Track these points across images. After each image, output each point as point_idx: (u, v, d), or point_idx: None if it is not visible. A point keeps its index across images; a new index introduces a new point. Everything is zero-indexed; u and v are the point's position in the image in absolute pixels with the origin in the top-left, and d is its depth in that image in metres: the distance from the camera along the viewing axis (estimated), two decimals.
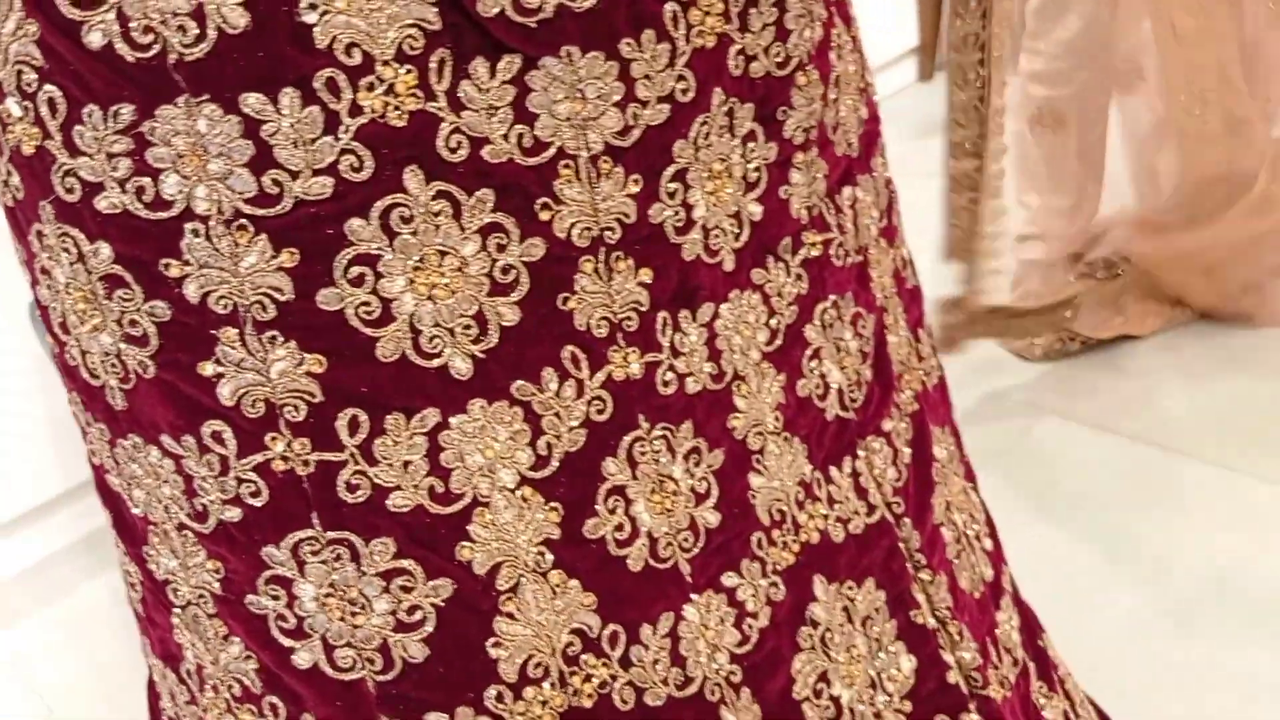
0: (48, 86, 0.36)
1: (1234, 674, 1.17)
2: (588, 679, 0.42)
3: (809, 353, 0.47)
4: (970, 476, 0.60)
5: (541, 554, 0.40)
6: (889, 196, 0.53)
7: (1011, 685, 0.56)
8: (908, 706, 0.51)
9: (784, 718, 0.46)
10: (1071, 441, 1.52)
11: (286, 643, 0.40)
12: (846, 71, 0.48)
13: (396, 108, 0.35)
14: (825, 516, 0.48)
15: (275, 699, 0.42)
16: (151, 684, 0.50)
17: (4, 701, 1.52)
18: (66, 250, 0.37)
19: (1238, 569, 1.28)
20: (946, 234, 1.28)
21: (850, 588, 0.49)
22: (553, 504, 0.40)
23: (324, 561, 0.39)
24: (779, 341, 0.45)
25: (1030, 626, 0.62)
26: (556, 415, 0.40)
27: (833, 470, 0.48)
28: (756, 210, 0.43)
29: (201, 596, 0.41)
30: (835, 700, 0.48)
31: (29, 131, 0.37)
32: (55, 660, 1.56)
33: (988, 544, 0.59)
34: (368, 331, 0.36)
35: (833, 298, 0.48)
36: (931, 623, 0.52)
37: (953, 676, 0.52)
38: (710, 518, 0.44)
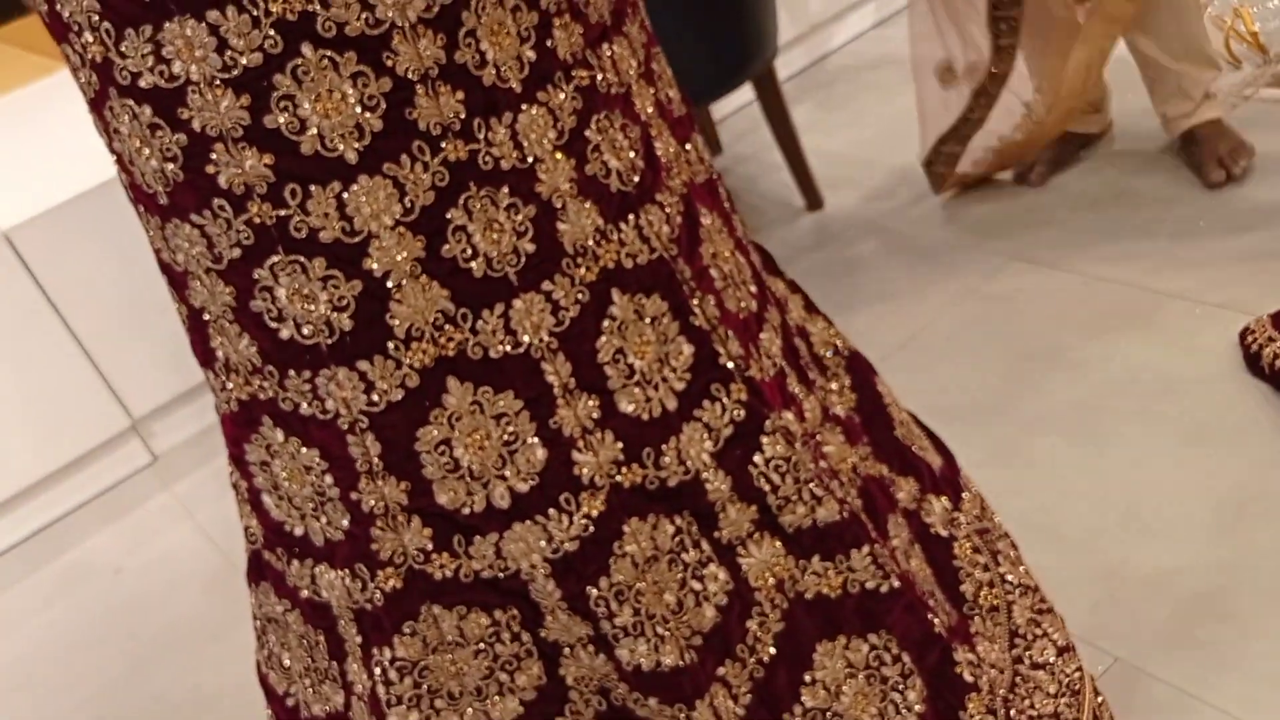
0: (105, 22, 0.62)
1: (1133, 442, 1.41)
2: (449, 339, 0.67)
3: (591, 146, 0.69)
4: (742, 249, 0.82)
5: (414, 266, 0.66)
6: (646, 53, 0.77)
7: (770, 376, 0.78)
8: (688, 377, 0.72)
9: (588, 372, 0.69)
10: (1027, 279, 1.76)
11: (274, 326, 0.66)
12: None
13: (292, 9, 0.60)
14: (617, 252, 0.70)
15: (271, 367, 0.68)
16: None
17: (179, 541, 1.93)
18: (126, 112, 0.64)
19: (1141, 367, 1.50)
20: None
21: (640, 297, 0.71)
22: (419, 236, 0.65)
23: (288, 274, 0.65)
24: (565, 138, 0.68)
25: (789, 349, 0.84)
26: (413, 183, 0.65)
27: (620, 224, 0.70)
28: (531, 54, 0.66)
29: (224, 312, 0.68)
30: (631, 365, 0.70)
31: (98, 49, 0.63)
32: (213, 504, 1.96)
33: (752, 288, 0.81)
34: (294, 138, 0.63)
35: (604, 112, 0.71)
36: (705, 325, 0.73)
37: (723, 360, 0.73)
38: (529, 246, 0.67)
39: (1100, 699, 0.94)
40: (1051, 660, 0.92)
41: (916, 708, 0.79)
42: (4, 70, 2.55)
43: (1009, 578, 0.93)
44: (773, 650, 0.76)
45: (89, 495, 2.12)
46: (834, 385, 0.91)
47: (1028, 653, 0.91)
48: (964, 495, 0.95)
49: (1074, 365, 1.56)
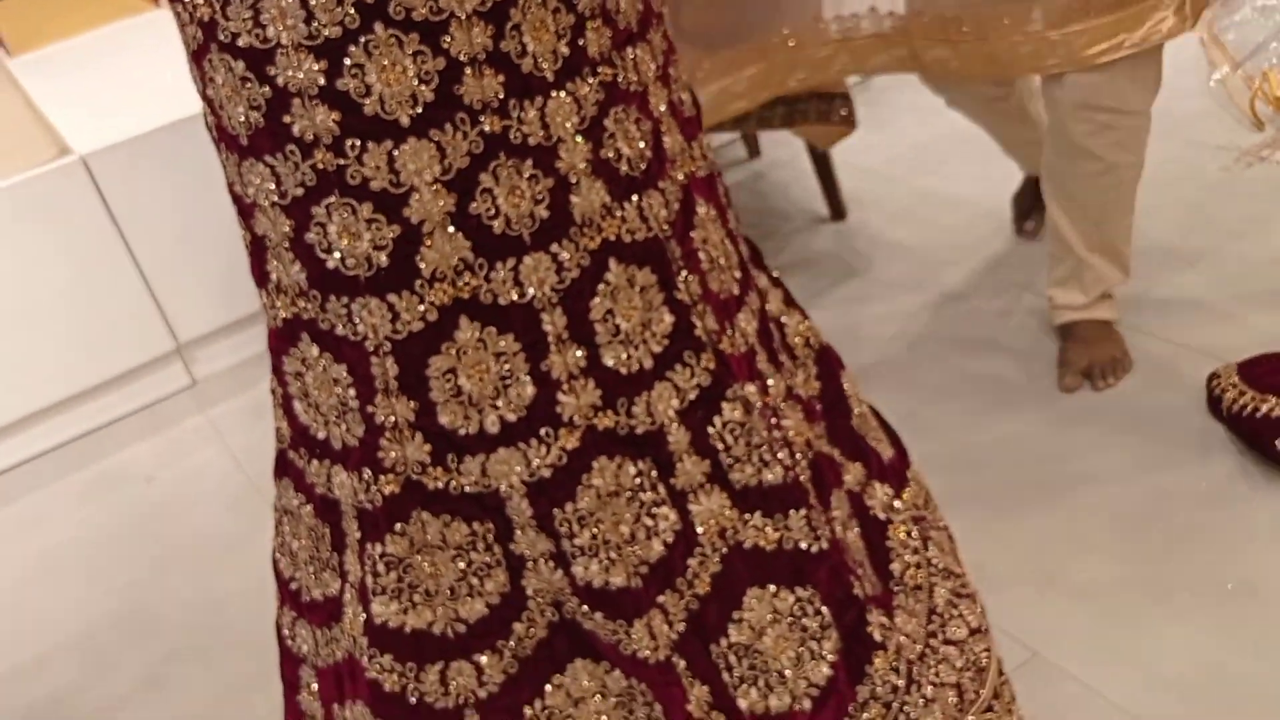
0: None
1: (1091, 464, 1.52)
2: (466, 284, 0.77)
3: (607, 134, 0.79)
4: (732, 239, 0.93)
5: (445, 218, 0.76)
6: (665, 58, 0.88)
7: (741, 352, 0.89)
8: (666, 342, 0.82)
9: (580, 327, 0.79)
10: (1022, 307, 1.87)
11: (322, 256, 0.77)
12: None
13: None
14: (618, 227, 0.80)
15: (315, 291, 0.79)
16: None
17: (207, 460, 2.07)
18: (223, 65, 0.76)
19: (1112, 397, 1.61)
20: None
21: (633, 268, 0.80)
22: (452, 193, 0.75)
23: (340, 214, 0.75)
24: (586, 124, 0.78)
25: (765, 337, 0.94)
26: (453, 148, 0.75)
27: (624, 203, 0.80)
28: (565, 50, 0.76)
29: (282, 240, 0.79)
30: (617, 326, 0.80)
31: (206, 10, 0.74)
32: (243, 431, 2.11)
33: (737, 274, 0.91)
34: (359, 100, 0.73)
35: (622, 106, 0.81)
36: (687, 300, 0.84)
37: (698, 332, 0.84)
38: (543, 213, 0.75)
39: (1003, 678, 1.05)
40: (963, 639, 1.03)
41: (830, 657, 0.90)
42: (96, 6, 2.71)
43: (935, 561, 1.04)
44: (708, 587, 0.88)
45: (129, 409, 2.27)
46: (800, 373, 1.02)
47: (942, 629, 1.02)
48: (909, 486, 1.07)
49: (1049, 390, 1.67)
